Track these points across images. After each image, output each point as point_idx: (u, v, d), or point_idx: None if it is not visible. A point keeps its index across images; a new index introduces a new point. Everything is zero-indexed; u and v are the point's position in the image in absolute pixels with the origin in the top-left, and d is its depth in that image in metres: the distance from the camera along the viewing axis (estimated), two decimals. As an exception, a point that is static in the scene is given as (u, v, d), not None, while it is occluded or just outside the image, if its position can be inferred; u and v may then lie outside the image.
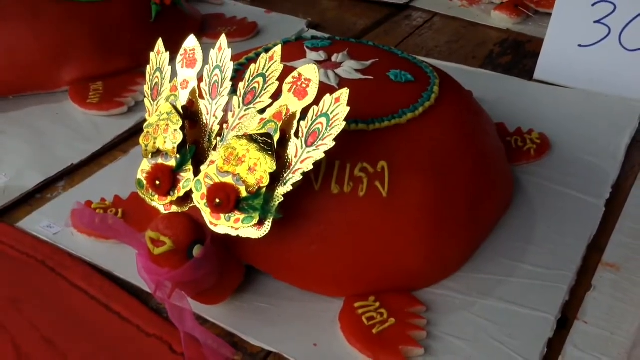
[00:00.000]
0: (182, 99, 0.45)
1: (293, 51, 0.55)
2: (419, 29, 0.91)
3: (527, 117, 0.68)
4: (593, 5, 0.73)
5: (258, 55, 0.53)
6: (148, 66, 0.47)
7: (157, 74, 0.46)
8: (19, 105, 0.70)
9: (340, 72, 0.52)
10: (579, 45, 0.74)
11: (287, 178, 0.41)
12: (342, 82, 0.50)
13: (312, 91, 0.41)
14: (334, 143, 0.40)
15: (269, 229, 0.41)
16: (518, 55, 0.83)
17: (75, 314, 0.47)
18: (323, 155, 0.40)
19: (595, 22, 0.73)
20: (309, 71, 0.41)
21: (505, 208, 0.55)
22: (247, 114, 0.42)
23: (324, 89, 0.42)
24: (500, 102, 0.70)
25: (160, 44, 0.47)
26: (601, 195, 0.57)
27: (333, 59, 0.54)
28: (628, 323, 0.46)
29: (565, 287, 0.48)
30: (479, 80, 0.75)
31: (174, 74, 0.46)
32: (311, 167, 0.41)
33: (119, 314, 0.47)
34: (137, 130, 0.67)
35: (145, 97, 0.47)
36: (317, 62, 0.53)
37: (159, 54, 0.47)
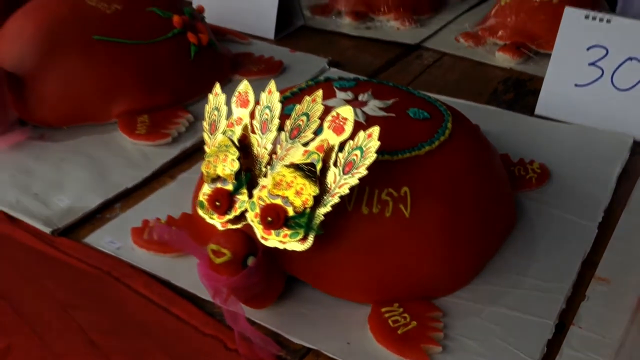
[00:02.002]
0: (237, 133, 0.53)
1: (324, 91, 0.63)
2: (429, 67, 1.00)
3: (528, 149, 0.75)
4: (588, 49, 0.81)
5: (297, 92, 0.62)
6: (207, 105, 0.55)
7: (215, 112, 0.54)
8: (73, 135, 0.78)
9: (367, 110, 0.60)
10: (576, 85, 0.83)
11: (327, 200, 0.49)
12: (369, 119, 0.58)
13: (348, 128, 0.49)
14: (367, 172, 0.48)
15: (311, 243, 0.49)
16: (520, 93, 0.92)
17: (137, 318, 0.55)
18: (358, 181, 0.48)
19: (589, 64, 0.81)
20: (346, 111, 0.49)
21: (509, 229, 0.63)
22: (293, 147, 0.50)
23: (354, 125, 0.50)
24: (504, 135, 0.78)
25: (217, 87, 0.55)
26: (594, 219, 0.65)
27: (359, 98, 0.62)
28: (617, 328, 0.53)
29: (562, 297, 0.56)
30: (484, 115, 0.82)
31: (229, 112, 0.54)
32: (347, 191, 0.49)
33: (177, 316, 0.54)
34: (181, 158, 0.75)
35: (203, 131, 0.55)
36: (346, 101, 0.61)
37: (216, 96, 0.55)
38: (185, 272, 0.57)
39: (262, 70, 0.93)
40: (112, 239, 0.62)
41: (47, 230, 0.63)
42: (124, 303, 0.56)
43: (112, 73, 0.79)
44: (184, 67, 0.85)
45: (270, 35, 1.06)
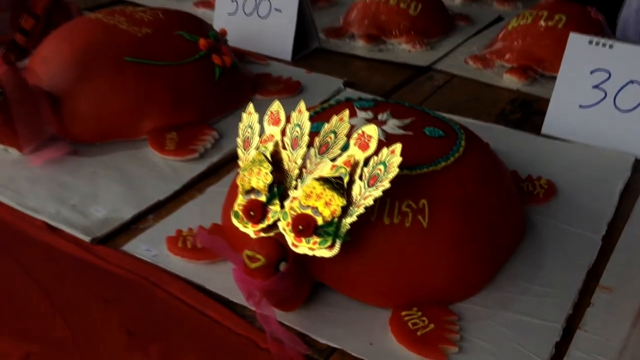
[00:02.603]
0: (269, 149, 0.57)
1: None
2: (440, 88, 1.05)
3: (536, 166, 0.80)
4: (591, 72, 0.86)
5: (320, 111, 0.67)
6: (240, 123, 0.60)
7: (249, 129, 0.59)
8: (106, 151, 0.83)
9: (386, 128, 0.64)
10: (580, 106, 0.87)
11: (353, 211, 0.53)
12: (389, 137, 0.63)
13: (373, 145, 0.54)
14: (390, 185, 0.53)
15: (338, 250, 0.53)
16: (527, 113, 0.96)
17: (174, 317, 0.59)
18: (381, 194, 0.53)
19: (593, 87, 0.86)
20: (371, 130, 0.54)
21: (519, 240, 0.67)
22: (322, 162, 0.55)
23: (377, 142, 0.55)
24: (512, 153, 0.82)
25: (250, 106, 0.60)
26: (598, 232, 0.69)
27: (379, 117, 0.67)
28: (619, 331, 0.57)
29: (569, 304, 0.60)
30: (494, 134, 0.87)
31: (261, 130, 0.59)
32: (372, 202, 0.53)
33: (212, 318, 0.58)
34: (208, 172, 0.80)
35: (237, 147, 0.60)
36: (367, 120, 0.66)
37: (249, 115, 0.59)
38: (217, 278, 0.62)
39: (281, 90, 0.98)
40: (148, 247, 0.66)
41: (86, 238, 0.68)
42: (161, 305, 0.61)
43: (143, 92, 0.84)
44: (209, 87, 0.90)
45: (288, 57, 1.11)
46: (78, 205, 0.73)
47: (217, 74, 0.91)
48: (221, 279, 0.61)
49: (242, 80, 0.97)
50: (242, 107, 0.92)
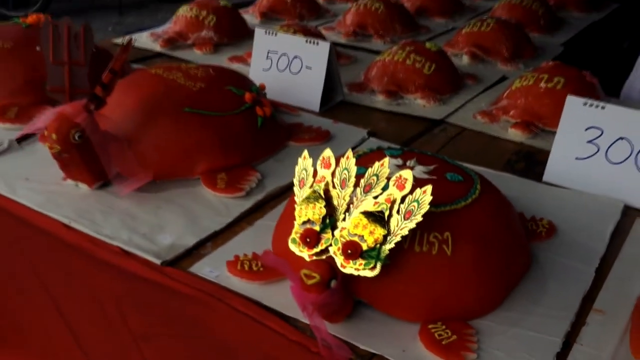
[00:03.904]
0: (322, 188, 0.70)
1: (379, 157, 0.81)
2: (453, 139, 1.18)
3: (539, 209, 0.92)
4: (586, 129, 0.99)
5: (357, 157, 0.79)
6: (296, 166, 0.72)
7: (304, 171, 0.72)
8: (165, 188, 0.95)
9: (415, 173, 0.77)
10: (576, 158, 1.00)
11: (391, 239, 0.66)
12: (417, 180, 0.75)
13: (409, 186, 0.66)
14: (422, 219, 0.65)
15: (379, 271, 0.65)
16: (530, 163, 1.09)
17: (237, 328, 0.71)
18: (415, 225, 0.65)
19: (588, 142, 0.99)
20: (407, 174, 0.67)
21: (525, 270, 0.79)
22: (366, 199, 0.67)
23: (411, 185, 0.68)
24: (518, 197, 0.94)
25: (305, 153, 0.72)
26: (592, 265, 0.81)
27: (407, 164, 0.80)
28: (609, 346, 0.68)
29: (568, 322, 0.71)
30: (501, 181, 0.98)
31: (314, 172, 0.72)
32: (407, 233, 0.65)
33: (270, 327, 0.70)
34: (255, 208, 0.92)
35: (294, 185, 0.72)
36: (397, 166, 0.79)
37: (304, 159, 0.72)
38: (273, 295, 0.73)
39: (313, 138, 1.11)
40: (211, 269, 0.78)
41: (157, 261, 0.80)
42: (226, 317, 0.72)
43: (198, 138, 0.97)
44: (252, 134, 1.03)
45: (316, 108, 1.25)
46: (147, 233, 0.85)
47: (259, 123, 1.04)
48: (276, 296, 0.73)
49: (280, 128, 1.10)
50: (280, 152, 1.06)
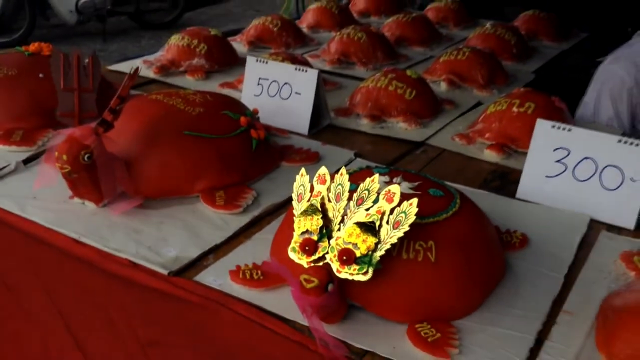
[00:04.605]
0: (318, 202, 0.77)
1: (368, 175, 0.88)
2: (433, 160, 1.27)
3: (513, 222, 1.01)
4: (554, 150, 1.08)
5: (350, 174, 0.87)
6: (295, 183, 0.80)
7: (301, 187, 0.79)
8: (167, 205, 1.02)
9: (401, 189, 0.84)
10: (546, 176, 1.09)
11: (381, 247, 0.73)
12: (403, 195, 0.83)
13: (396, 199, 0.74)
14: (409, 228, 0.73)
15: (371, 275, 0.73)
16: (504, 182, 1.18)
17: (240, 331, 0.77)
18: (403, 234, 0.73)
19: (556, 161, 1.08)
20: (395, 188, 0.74)
21: (501, 277, 0.87)
22: (358, 211, 0.75)
23: (399, 198, 0.75)
24: (494, 212, 1.03)
25: (303, 170, 0.80)
26: (561, 272, 0.89)
27: (394, 180, 0.88)
28: (576, 342, 0.77)
29: (540, 322, 0.79)
30: (478, 197, 1.06)
31: (311, 188, 0.79)
32: (396, 241, 0.73)
33: (272, 329, 0.77)
34: (251, 223, 0.99)
35: (292, 199, 0.80)
36: (385, 183, 0.87)
37: (302, 176, 0.80)
38: (273, 301, 0.80)
39: (303, 158, 1.19)
40: (214, 277, 0.85)
41: (164, 272, 0.86)
42: (230, 321, 0.79)
43: (197, 159, 1.05)
44: (248, 155, 1.10)
45: (305, 131, 1.32)
46: (152, 246, 0.91)
47: (254, 145, 1.12)
48: (276, 301, 0.80)
49: (273, 150, 1.18)
50: (273, 171, 1.13)
